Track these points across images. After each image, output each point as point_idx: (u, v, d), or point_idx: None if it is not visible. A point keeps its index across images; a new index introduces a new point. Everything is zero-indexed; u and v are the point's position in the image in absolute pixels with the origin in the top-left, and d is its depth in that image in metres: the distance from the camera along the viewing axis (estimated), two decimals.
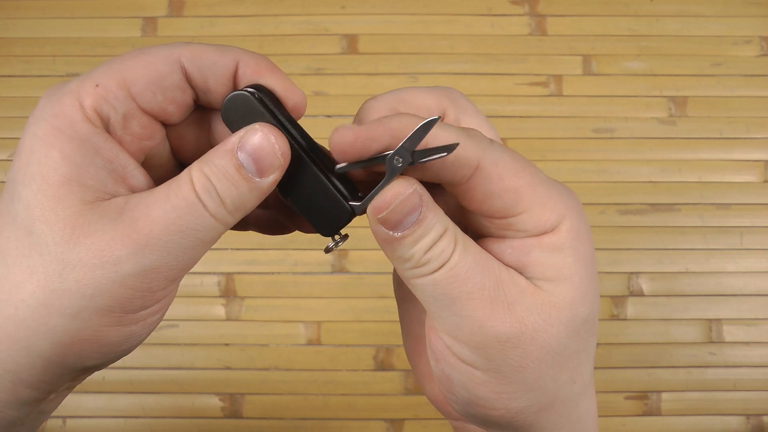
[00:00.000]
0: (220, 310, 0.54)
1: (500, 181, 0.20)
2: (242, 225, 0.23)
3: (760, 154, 0.56)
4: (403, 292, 0.25)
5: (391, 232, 0.19)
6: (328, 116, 0.56)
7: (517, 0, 0.59)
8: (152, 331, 0.20)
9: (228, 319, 0.54)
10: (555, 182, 0.21)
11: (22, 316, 0.18)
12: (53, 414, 0.55)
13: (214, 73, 0.20)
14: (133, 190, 0.19)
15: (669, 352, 0.53)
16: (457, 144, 0.19)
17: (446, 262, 0.19)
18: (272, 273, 0.54)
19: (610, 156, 0.56)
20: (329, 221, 0.21)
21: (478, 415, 0.22)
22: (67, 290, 0.18)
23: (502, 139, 0.56)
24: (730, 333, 0.53)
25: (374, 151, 0.19)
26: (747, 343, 0.53)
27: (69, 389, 0.21)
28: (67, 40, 0.58)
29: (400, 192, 0.19)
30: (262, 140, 0.19)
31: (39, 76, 0.58)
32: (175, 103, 0.20)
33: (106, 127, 0.19)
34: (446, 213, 0.20)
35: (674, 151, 0.56)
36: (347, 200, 0.21)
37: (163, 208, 0.18)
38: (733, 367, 0.53)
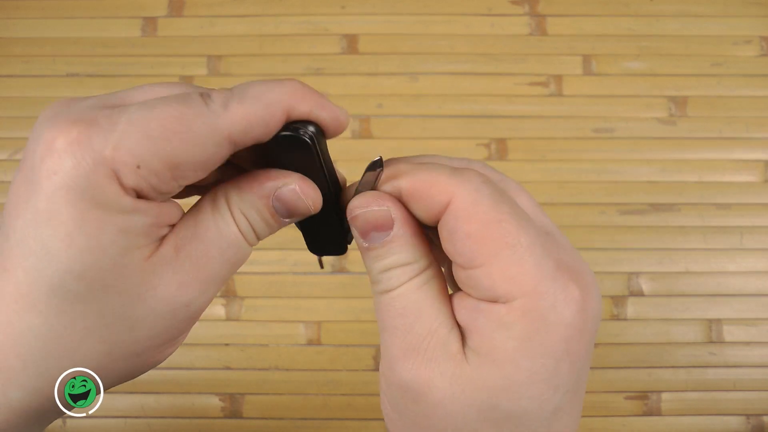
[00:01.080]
0: (220, 310, 0.54)
1: (465, 222, 0.18)
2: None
3: (760, 154, 0.56)
4: None
5: (361, 239, 0.20)
6: None
7: (517, 0, 0.59)
8: None
9: (228, 319, 0.54)
10: (564, 259, 0.19)
11: (81, 367, 0.19)
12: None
13: (267, 133, 0.19)
14: (171, 223, 0.20)
15: (669, 352, 0.53)
16: (380, 157, 0.20)
17: (391, 290, 0.20)
18: (272, 273, 0.54)
19: (610, 156, 0.56)
20: (324, 247, 0.24)
21: None
22: (136, 338, 0.19)
23: (502, 139, 0.56)
24: (730, 333, 0.53)
25: None
26: (747, 343, 0.53)
27: None
28: (67, 40, 0.58)
29: (366, 203, 0.20)
30: (296, 199, 0.20)
31: (39, 76, 0.58)
32: (214, 172, 0.20)
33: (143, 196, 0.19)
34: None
35: (674, 151, 0.56)
36: (347, 242, 0.23)
37: (220, 246, 0.20)
38: (733, 367, 0.53)
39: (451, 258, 0.19)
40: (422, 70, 0.58)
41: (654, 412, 0.52)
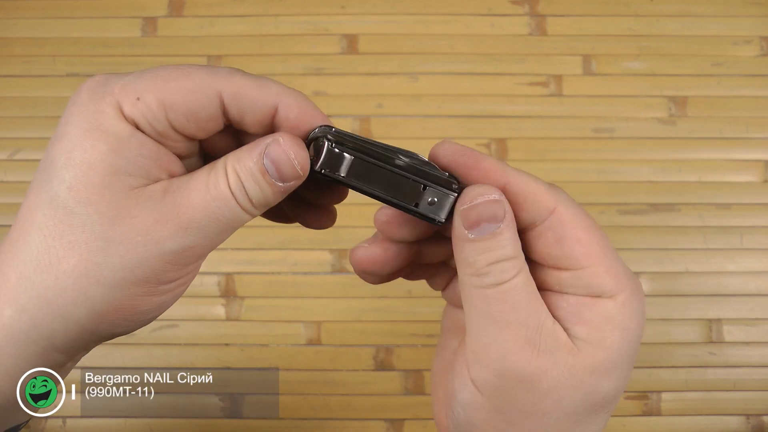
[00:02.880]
0: (220, 310, 0.54)
1: (573, 228, 0.21)
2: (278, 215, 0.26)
3: (760, 154, 0.56)
4: (449, 322, 0.27)
5: (466, 231, 0.20)
6: (328, 116, 0.56)
7: (517, 0, 0.59)
8: (177, 300, 0.23)
9: (228, 319, 0.54)
10: (621, 259, 0.22)
11: (62, 286, 0.19)
12: (53, 414, 0.55)
13: (252, 112, 0.21)
14: (173, 175, 0.21)
15: (669, 352, 0.53)
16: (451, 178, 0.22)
17: (503, 283, 0.20)
18: (272, 273, 0.54)
19: (610, 156, 0.56)
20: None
21: None
22: (110, 264, 0.20)
23: (502, 139, 0.56)
24: (730, 333, 0.53)
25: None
26: (747, 343, 0.53)
27: (87, 352, 0.23)
28: (67, 40, 0.58)
29: (484, 193, 0.20)
30: (281, 154, 0.21)
31: (39, 76, 0.58)
32: (206, 130, 0.21)
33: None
34: None
35: (674, 151, 0.56)
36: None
37: (203, 197, 0.20)
38: (733, 367, 0.53)
39: (547, 263, 0.22)
40: (422, 70, 0.58)
41: (654, 412, 0.52)
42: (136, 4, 0.59)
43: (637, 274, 0.54)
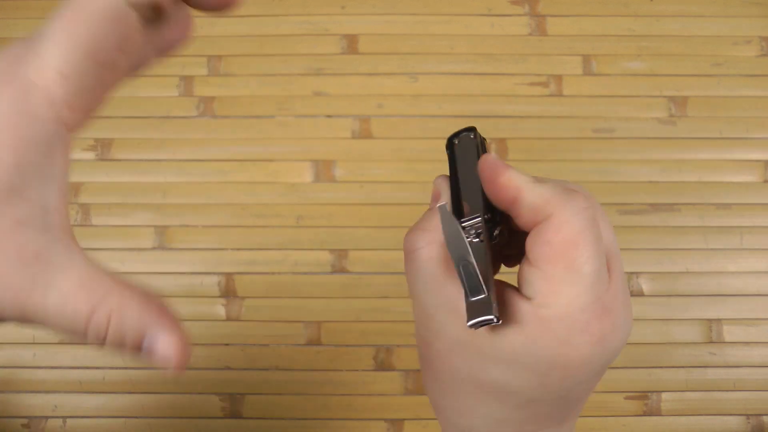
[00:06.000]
0: (220, 310, 0.54)
1: (552, 232, 0.22)
2: None
3: (760, 154, 0.56)
4: None
5: None
6: (329, 116, 0.56)
7: (517, 0, 0.59)
8: None
9: (228, 319, 0.54)
10: (604, 299, 0.22)
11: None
12: (53, 414, 0.55)
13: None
14: None
15: (669, 352, 0.53)
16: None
17: None
18: (272, 273, 0.54)
19: (610, 156, 0.56)
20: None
21: None
22: None
23: (502, 139, 0.56)
24: (730, 333, 0.53)
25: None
26: (747, 343, 0.53)
27: None
28: None
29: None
30: None
31: None
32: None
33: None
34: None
35: (674, 151, 0.56)
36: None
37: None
38: (733, 367, 0.53)
39: (527, 249, 0.23)
40: (422, 70, 0.58)
41: (654, 412, 0.52)
42: None
43: (636, 274, 0.54)
